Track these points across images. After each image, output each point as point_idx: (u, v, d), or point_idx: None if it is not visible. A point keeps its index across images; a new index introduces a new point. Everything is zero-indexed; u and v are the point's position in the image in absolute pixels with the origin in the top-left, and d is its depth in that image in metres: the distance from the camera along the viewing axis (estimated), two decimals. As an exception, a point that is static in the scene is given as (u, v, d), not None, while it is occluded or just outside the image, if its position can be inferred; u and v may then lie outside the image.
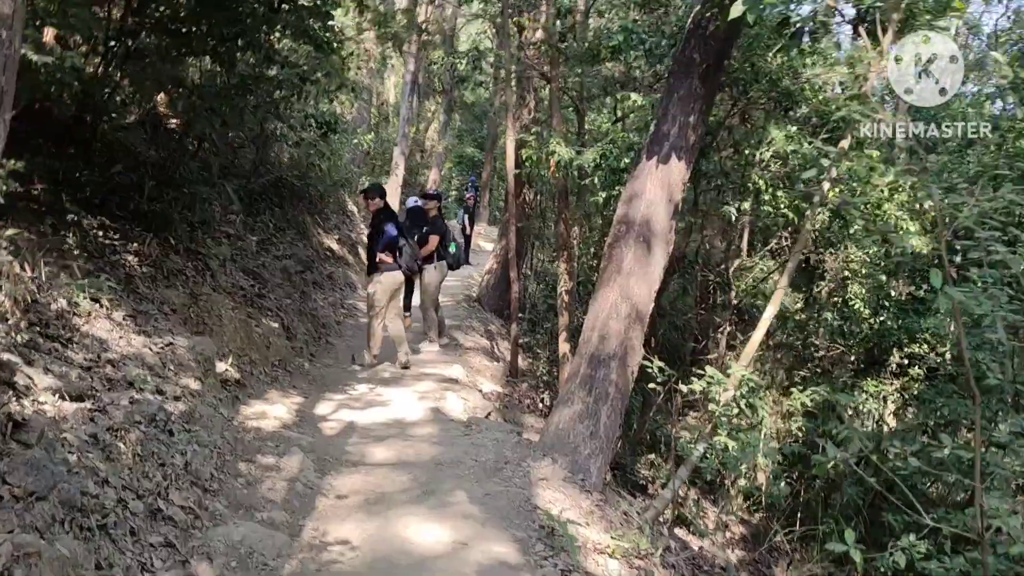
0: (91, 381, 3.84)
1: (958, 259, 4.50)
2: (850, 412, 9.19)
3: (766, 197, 8.37)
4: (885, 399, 9.52)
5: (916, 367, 9.38)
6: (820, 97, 8.13)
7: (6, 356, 3.37)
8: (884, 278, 9.61)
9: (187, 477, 3.80)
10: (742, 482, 9.00)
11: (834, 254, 9.88)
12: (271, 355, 6.75)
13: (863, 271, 9.80)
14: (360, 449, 5.24)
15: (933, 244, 8.43)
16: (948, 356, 9.09)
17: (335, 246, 12.16)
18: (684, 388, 6.03)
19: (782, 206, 8.37)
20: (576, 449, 5.57)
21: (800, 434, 9.17)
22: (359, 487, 4.58)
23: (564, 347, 8.50)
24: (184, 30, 5.65)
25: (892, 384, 9.49)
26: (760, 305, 9.51)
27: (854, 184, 7.35)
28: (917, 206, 8.02)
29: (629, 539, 4.65)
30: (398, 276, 7.60)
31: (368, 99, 19.13)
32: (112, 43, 5.50)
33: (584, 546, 4.29)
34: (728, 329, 10.33)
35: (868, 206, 7.92)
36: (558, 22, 9.11)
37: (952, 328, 8.46)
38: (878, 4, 5.88)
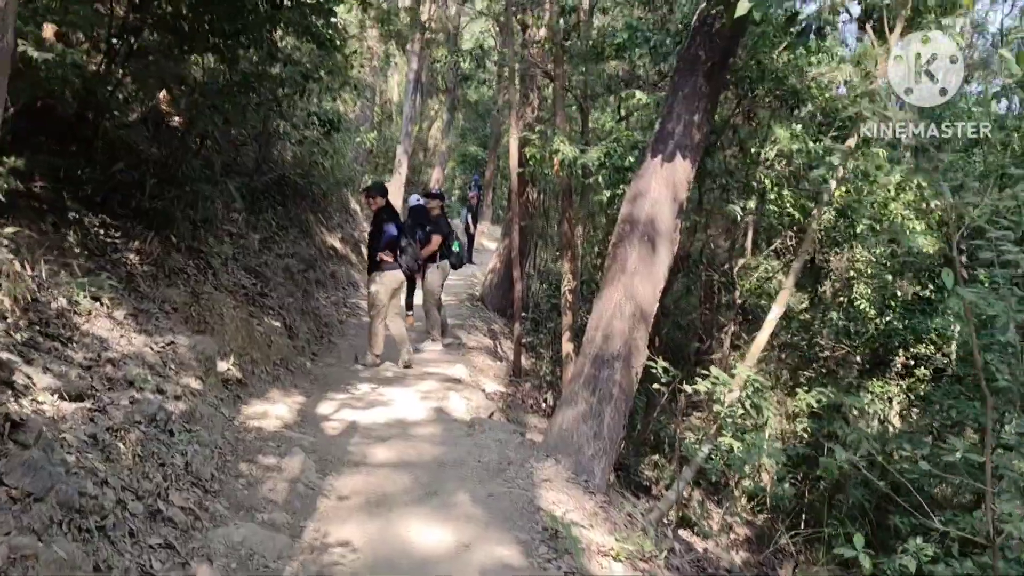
0: (91, 380, 3.81)
1: (964, 259, 4.46)
2: (855, 413, 9.14)
3: (771, 196, 8.33)
4: (890, 400, 9.46)
5: (922, 368, 9.33)
6: (826, 95, 8.07)
7: (5, 355, 3.34)
8: (890, 278, 9.56)
9: (187, 478, 3.77)
10: (747, 483, 8.96)
11: (840, 254, 9.83)
12: (273, 354, 6.72)
13: (869, 271, 9.75)
14: (362, 449, 5.20)
15: (939, 244, 8.38)
16: (954, 357, 9.03)
17: (338, 245, 12.14)
18: (688, 388, 6.00)
19: (787, 205, 8.32)
20: (580, 450, 5.53)
21: (805, 435, 9.12)
22: (361, 488, 4.55)
23: (568, 347, 8.46)
24: (186, 27, 5.63)
25: (898, 385, 9.43)
26: (764, 305, 9.45)
27: (860, 183, 7.31)
28: (924, 205, 7.96)
29: (633, 541, 4.61)
30: (399, 275, 7.59)
31: (371, 97, 19.11)
32: (114, 40, 5.48)
33: (588, 548, 4.25)
34: (732, 329, 10.27)
35: (874, 205, 7.87)
36: (562, 20, 9.08)
37: (958, 329, 8.41)
38: (885, 2, 5.84)
